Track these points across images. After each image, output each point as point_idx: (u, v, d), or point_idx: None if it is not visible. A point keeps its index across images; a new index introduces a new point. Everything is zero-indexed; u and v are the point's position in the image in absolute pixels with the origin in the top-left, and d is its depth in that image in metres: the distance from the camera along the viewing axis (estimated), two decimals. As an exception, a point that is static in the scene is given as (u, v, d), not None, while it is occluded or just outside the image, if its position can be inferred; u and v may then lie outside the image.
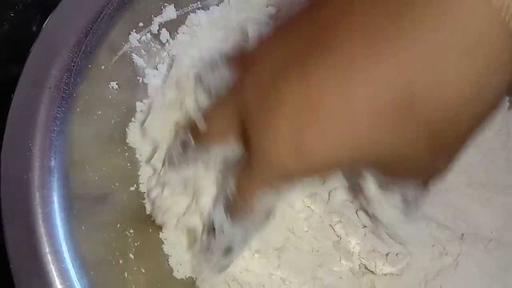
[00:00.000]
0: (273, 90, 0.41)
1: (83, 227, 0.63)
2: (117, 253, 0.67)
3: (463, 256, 0.68)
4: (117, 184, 0.72)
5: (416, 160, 0.42)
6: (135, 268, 0.68)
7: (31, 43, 0.66)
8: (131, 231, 0.71)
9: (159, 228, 0.74)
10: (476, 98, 0.36)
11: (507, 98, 0.72)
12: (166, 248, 0.72)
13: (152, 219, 0.74)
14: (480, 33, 0.33)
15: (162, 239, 0.73)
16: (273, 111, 0.41)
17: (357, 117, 0.38)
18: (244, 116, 0.45)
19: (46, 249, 0.59)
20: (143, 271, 0.69)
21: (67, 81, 0.66)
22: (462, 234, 0.70)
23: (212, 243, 0.56)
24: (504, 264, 0.67)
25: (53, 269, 0.59)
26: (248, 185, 0.48)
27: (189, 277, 0.72)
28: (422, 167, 0.44)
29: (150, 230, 0.74)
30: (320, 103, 0.38)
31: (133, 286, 0.66)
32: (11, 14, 0.86)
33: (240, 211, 0.50)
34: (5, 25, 0.86)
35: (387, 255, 0.65)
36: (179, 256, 0.72)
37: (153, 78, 0.75)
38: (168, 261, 0.72)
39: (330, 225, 0.67)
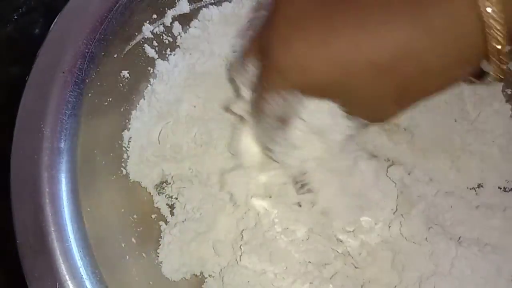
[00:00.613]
0: (296, 24, 0.49)
1: (88, 209, 0.64)
2: (120, 237, 0.69)
3: (458, 259, 0.69)
4: (123, 170, 0.74)
5: (375, 106, 0.52)
6: (137, 253, 0.70)
7: (34, 45, 0.67)
8: (135, 216, 0.73)
9: (163, 218, 0.76)
10: (444, 68, 0.46)
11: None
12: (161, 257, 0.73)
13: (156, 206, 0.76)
14: (456, 16, 0.43)
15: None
16: (289, 37, 0.49)
17: (356, 57, 0.46)
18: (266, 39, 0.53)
19: (52, 227, 0.61)
20: (144, 255, 0.71)
21: (80, 66, 0.68)
22: (459, 237, 0.71)
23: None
24: (497, 267, 0.68)
25: (57, 247, 0.60)
26: (260, 91, 0.57)
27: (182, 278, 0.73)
28: (377, 112, 0.54)
29: (153, 217, 0.76)
30: (334, 35, 0.46)
31: (134, 269, 0.68)
32: (15, 17, 0.88)
33: (256, 113, 0.62)
34: (9, 27, 0.88)
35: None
36: (173, 262, 0.72)
37: (163, 69, 0.77)
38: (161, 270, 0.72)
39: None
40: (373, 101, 0.52)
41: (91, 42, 0.69)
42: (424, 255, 0.69)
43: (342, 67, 0.47)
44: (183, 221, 0.73)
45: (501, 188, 0.75)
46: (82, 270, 0.60)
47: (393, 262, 0.70)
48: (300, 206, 0.72)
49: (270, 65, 0.52)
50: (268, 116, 0.58)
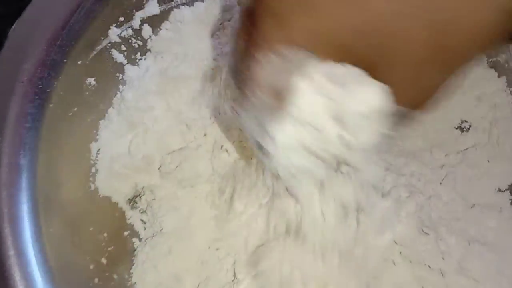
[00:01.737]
0: None
1: (51, 229, 0.59)
2: (88, 258, 0.64)
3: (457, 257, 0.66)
4: (91, 185, 0.69)
5: (415, 71, 0.40)
6: (107, 274, 0.65)
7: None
8: (105, 234, 0.68)
9: (136, 235, 0.71)
10: (477, 15, 0.37)
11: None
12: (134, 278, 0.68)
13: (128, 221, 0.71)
14: None
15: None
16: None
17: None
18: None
19: (11, 251, 0.56)
20: (116, 277, 0.66)
21: (41, 75, 0.63)
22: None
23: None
24: (495, 267, 0.64)
25: (17, 273, 0.55)
26: (245, 54, 0.42)
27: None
28: (417, 82, 0.42)
29: (126, 234, 0.71)
30: None
31: (104, 293, 0.63)
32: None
33: (243, 92, 0.45)
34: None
35: None
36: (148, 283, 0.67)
37: (133, 75, 0.72)
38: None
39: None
40: (411, 63, 0.39)
41: (52, 49, 0.64)
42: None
43: (365, 9, 0.37)
44: (153, 236, 0.68)
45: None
46: (44, 298, 0.56)
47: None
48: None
49: (262, 7, 0.39)
50: (260, 86, 0.42)
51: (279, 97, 0.42)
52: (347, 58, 0.40)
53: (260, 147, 0.48)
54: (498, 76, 0.74)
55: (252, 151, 0.64)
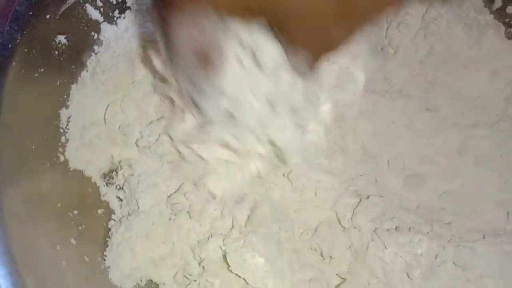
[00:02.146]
0: None
1: (11, 204, 0.52)
2: (54, 237, 0.56)
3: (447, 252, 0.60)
4: (60, 156, 0.61)
5: (317, 23, 0.42)
6: (77, 256, 0.58)
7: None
8: (75, 212, 0.60)
9: (111, 212, 0.64)
10: None
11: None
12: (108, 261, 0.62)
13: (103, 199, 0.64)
14: None
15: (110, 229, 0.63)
16: None
17: None
18: None
19: (-39, 228, 0.49)
20: (87, 259, 0.59)
21: (1, 28, 0.55)
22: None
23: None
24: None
25: (-32, 253, 0.48)
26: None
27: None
28: (321, 33, 0.44)
29: (99, 212, 0.64)
30: None
31: (71, 277, 0.55)
32: None
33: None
34: None
35: None
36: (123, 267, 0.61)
37: (110, 35, 0.64)
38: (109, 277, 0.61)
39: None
40: (312, 17, 0.41)
41: (14, -2, 0.56)
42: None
43: None
44: (128, 215, 0.61)
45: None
46: (0, 281, 0.48)
47: None
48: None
49: None
50: (182, 49, 0.44)
51: (205, 60, 0.44)
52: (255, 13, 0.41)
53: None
54: (517, 49, 0.67)
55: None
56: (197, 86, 0.48)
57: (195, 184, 0.62)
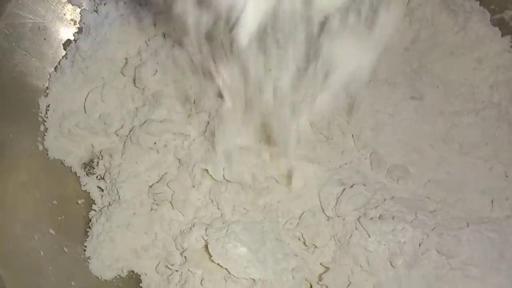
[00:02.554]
0: None
1: (-13, 194, 0.51)
2: (32, 227, 0.55)
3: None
4: (38, 145, 0.60)
5: None
6: (56, 247, 0.57)
7: None
8: (54, 202, 0.59)
9: (91, 202, 0.63)
10: None
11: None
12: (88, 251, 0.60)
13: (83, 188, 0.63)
14: None
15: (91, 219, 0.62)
16: None
17: None
18: None
19: None
20: (66, 250, 0.58)
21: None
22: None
23: None
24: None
25: None
26: None
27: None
28: None
29: (79, 202, 0.63)
30: None
31: (50, 268, 0.54)
32: None
33: None
34: None
35: None
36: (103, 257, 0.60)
37: (90, 21, 0.63)
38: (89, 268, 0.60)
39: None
40: None
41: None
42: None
43: None
44: (109, 205, 0.60)
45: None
46: (-26, 273, 0.47)
47: None
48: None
49: None
50: None
51: None
52: None
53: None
54: (502, 35, 0.66)
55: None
56: None
57: (187, 166, 0.61)
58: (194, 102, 0.63)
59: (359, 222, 0.60)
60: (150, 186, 0.61)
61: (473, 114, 0.65)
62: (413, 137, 0.66)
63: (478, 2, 0.67)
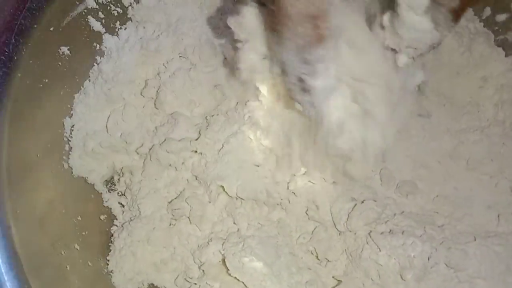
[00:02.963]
0: None
1: (18, 211, 0.53)
2: (58, 243, 0.58)
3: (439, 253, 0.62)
4: (64, 164, 0.63)
5: None
6: (80, 261, 0.60)
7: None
8: (79, 218, 0.62)
9: (113, 217, 0.66)
10: None
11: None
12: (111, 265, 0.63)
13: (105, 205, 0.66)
14: None
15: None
16: None
17: None
18: None
19: (-31, 234, 0.51)
20: (90, 264, 0.61)
21: (7, 41, 0.56)
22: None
23: None
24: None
25: (-24, 259, 0.50)
26: None
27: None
28: None
29: (102, 218, 0.66)
30: None
31: (76, 281, 0.57)
32: None
33: None
34: None
35: None
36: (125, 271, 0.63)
37: (112, 45, 0.66)
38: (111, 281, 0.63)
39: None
40: None
41: (20, 12, 0.57)
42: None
43: None
44: (130, 220, 0.63)
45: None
46: (6, 286, 0.50)
47: None
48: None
49: None
50: (291, 17, 0.44)
51: (314, 24, 0.44)
52: None
53: (301, 81, 0.49)
54: (506, 56, 0.69)
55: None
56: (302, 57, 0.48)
57: (204, 182, 0.63)
58: (206, 119, 0.66)
59: (370, 237, 0.62)
60: (169, 202, 0.64)
61: (478, 131, 0.68)
62: (421, 153, 0.69)
63: (482, 24, 0.70)
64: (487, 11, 0.70)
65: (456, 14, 0.48)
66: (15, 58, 0.57)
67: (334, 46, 0.47)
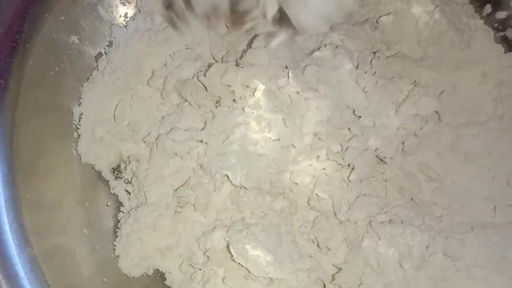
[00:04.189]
0: None
1: (28, 195, 0.55)
2: (67, 227, 0.60)
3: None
4: (73, 151, 0.64)
5: None
6: (88, 246, 0.61)
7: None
8: (87, 204, 0.64)
9: (119, 204, 0.68)
10: None
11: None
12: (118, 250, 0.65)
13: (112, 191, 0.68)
14: None
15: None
16: None
17: None
18: None
19: (-18, 217, 0.52)
20: (97, 249, 0.62)
21: (19, 29, 0.58)
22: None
23: None
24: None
25: (-11, 240, 0.51)
26: None
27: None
28: None
29: (109, 205, 0.67)
30: None
31: (84, 265, 0.59)
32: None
33: None
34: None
35: None
36: (132, 256, 0.64)
37: (120, 35, 0.68)
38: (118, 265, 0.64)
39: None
40: None
41: (32, 1, 0.59)
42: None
43: None
44: (137, 207, 0.64)
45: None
46: (18, 268, 0.51)
47: None
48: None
49: None
50: None
51: None
52: None
53: None
54: (505, 52, 0.70)
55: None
56: None
57: (209, 171, 0.65)
58: (211, 110, 0.68)
59: (370, 226, 0.64)
60: (175, 190, 0.66)
61: (477, 125, 0.69)
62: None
63: (483, 21, 0.71)
64: (488, 8, 0.71)
65: None
66: (27, 46, 0.58)
67: None
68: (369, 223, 0.64)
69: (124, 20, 0.69)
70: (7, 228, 0.52)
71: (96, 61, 0.67)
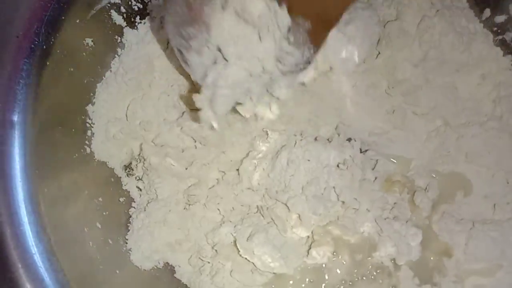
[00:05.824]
0: None
1: (46, 189, 0.57)
2: (82, 221, 0.62)
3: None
4: (86, 148, 0.67)
5: None
6: (102, 239, 0.63)
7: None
8: (100, 199, 0.66)
9: (131, 200, 0.70)
10: None
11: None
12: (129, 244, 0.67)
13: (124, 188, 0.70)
14: None
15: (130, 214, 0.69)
16: None
17: None
18: None
19: (2, 209, 0.54)
20: (110, 242, 0.64)
21: (37, 31, 0.60)
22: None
23: None
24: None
25: (8, 232, 0.53)
26: None
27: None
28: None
29: (121, 200, 0.69)
30: None
31: (98, 257, 0.61)
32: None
33: None
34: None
35: None
36: (143, 249, 0.66)
37: (132, 38, 0.70)
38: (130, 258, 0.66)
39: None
40: None
41: (49, 4, 0.61)
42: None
43: None
44: (148, 203, 0.67)
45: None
46: (36, 257, 0.54)
47: None
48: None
49: None
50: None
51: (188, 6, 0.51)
52: None
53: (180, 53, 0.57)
54: (504, 55, 0.73)
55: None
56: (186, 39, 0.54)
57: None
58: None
59: (376, 222, 0.66)
60: (186, 189, 0.68)
61: (477, 126, 0.71)
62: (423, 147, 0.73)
63: (482, 25, 0.74)
64: (487, 12, 0.73)
65: (316, 37, 0.54)
66: (44, 47, 0.60)
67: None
68: (375, 219, 0.66)
69: (136, 24, 0.72)
70: (26, 220, 0.54)
71: (109, 62, 0.70)
